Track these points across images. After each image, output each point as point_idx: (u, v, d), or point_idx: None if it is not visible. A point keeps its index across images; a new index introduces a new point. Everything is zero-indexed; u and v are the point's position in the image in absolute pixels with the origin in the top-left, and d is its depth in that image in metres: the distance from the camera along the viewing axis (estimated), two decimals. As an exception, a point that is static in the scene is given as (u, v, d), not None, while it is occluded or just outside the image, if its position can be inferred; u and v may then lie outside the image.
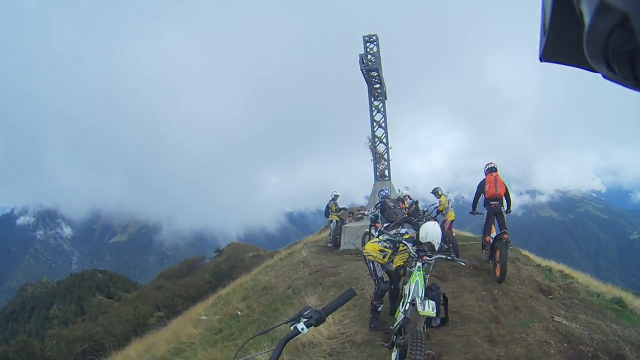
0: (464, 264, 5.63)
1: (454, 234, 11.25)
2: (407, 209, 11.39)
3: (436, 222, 5.92)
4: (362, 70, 15.38)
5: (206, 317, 10.23)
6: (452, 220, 11.23)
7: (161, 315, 27.33)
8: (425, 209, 11.42)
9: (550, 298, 7.11)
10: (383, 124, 16.71)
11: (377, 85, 16.10)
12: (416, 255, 5.12)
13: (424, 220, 10.57)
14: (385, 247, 5.90)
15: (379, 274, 5.92)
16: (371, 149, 16.55)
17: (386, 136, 16.78)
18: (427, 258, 5.07)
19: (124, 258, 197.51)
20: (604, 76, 0.49)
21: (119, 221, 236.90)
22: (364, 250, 6.23)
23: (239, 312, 8.89)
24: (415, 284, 4.71)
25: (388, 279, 6.02)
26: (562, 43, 0.56)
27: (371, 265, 5.94)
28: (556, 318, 5.87)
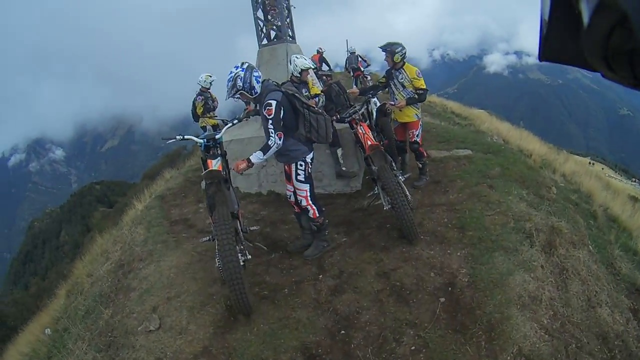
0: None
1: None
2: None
3: None
4: None
5: (50, 334, 5.61)
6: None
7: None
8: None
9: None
10: None
11: None
12: None
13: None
14: None
15: None
16: None
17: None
18: None
19: (119, 162, 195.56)
20: (603, 75, 0.50)
21: (107, 127, 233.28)
22: None
23: (47, 332, 5.55)
24: None
25: None
26: (561, 42, 0.56)
27: None
28: None
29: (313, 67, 5.99)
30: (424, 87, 5.48)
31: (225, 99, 4.21)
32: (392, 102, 5.56)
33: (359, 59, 14.32)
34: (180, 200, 7.54)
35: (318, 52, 14.46)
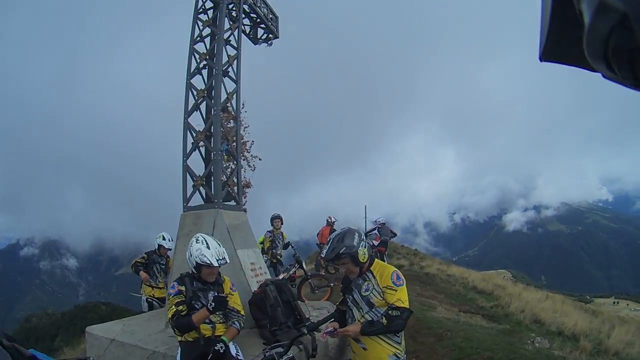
0: None
1: None
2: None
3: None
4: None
5: None
6: None
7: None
8: None
9: None
10: (233, 75, 6.54)
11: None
12: None
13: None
14: None
15: None
16: (185, 125, 6.28)
17: (237, 100, 6.59)
18: None
19: (130, 290, 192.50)
20: (603, 76, 0.50)
21: (125, 253, 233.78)
22: None
23: None
24: None
25: None
26: (562, 43, 0.57)
27: None
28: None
29: (222, 263, 3.44)
30: (405, 304, 2.80)
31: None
32: (330, 330, 2.92)
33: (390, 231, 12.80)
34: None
35: (328, 222, 12.17)
